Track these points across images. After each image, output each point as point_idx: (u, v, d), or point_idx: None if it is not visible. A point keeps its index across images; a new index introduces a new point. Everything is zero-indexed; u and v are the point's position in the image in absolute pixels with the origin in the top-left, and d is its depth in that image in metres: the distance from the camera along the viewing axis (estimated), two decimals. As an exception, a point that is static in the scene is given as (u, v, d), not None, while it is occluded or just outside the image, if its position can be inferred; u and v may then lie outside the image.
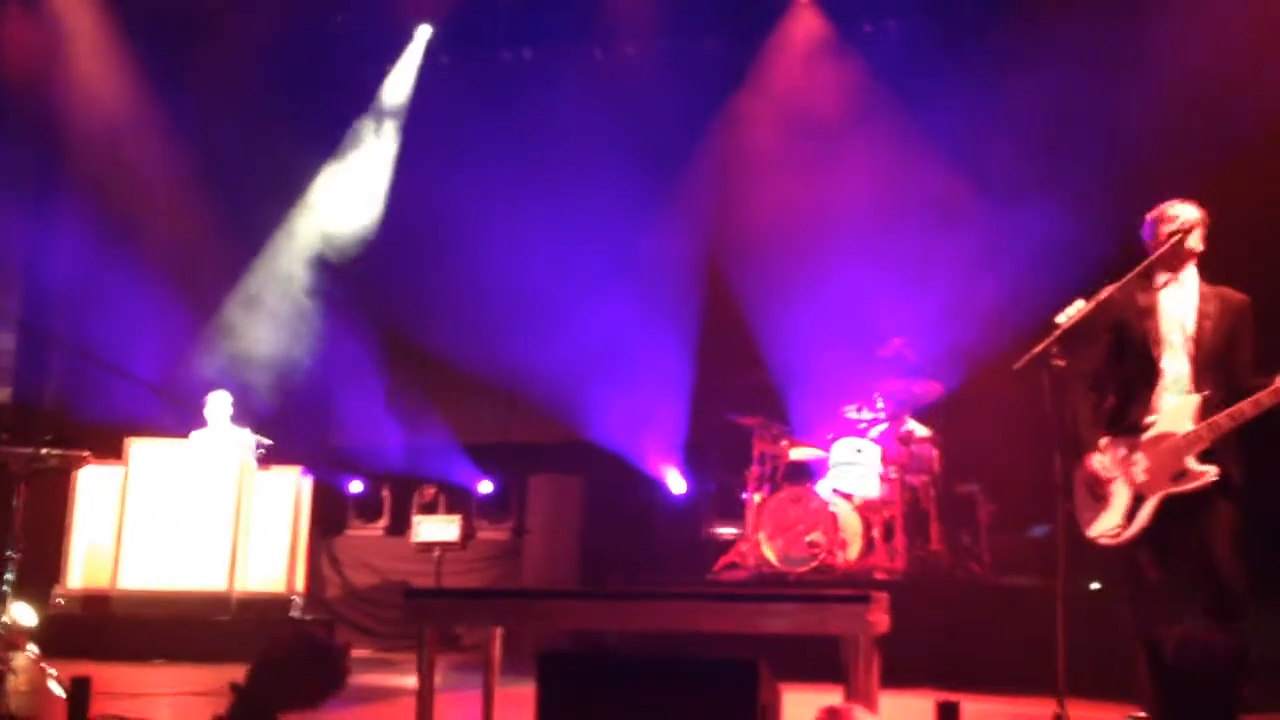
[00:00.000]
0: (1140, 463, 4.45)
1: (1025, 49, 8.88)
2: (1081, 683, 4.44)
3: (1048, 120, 8.60)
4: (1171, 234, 4.50)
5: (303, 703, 3.03)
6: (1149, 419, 4.48)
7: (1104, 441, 4.55)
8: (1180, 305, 4.53)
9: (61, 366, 10.68)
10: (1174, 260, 4.54)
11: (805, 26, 10.15)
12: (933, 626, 6.68)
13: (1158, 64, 7.82)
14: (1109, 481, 4.48)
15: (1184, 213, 4.55)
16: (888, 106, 9.47)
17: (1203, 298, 4.53)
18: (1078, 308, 4.44)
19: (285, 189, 11.10)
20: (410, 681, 3.91)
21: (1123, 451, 4.51)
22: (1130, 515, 4.44)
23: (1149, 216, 4.63)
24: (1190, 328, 4.48)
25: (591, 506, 10.19)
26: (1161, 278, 4.58)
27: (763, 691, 3.12)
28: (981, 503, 8.13)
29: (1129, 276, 4.54)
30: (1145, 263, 4.53)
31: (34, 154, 10.69)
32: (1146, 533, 4.41)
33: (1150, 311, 4.55)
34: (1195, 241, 4.53)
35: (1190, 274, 4.58)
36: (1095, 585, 7.00)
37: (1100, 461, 4.51)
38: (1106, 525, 4.49)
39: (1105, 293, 4.50)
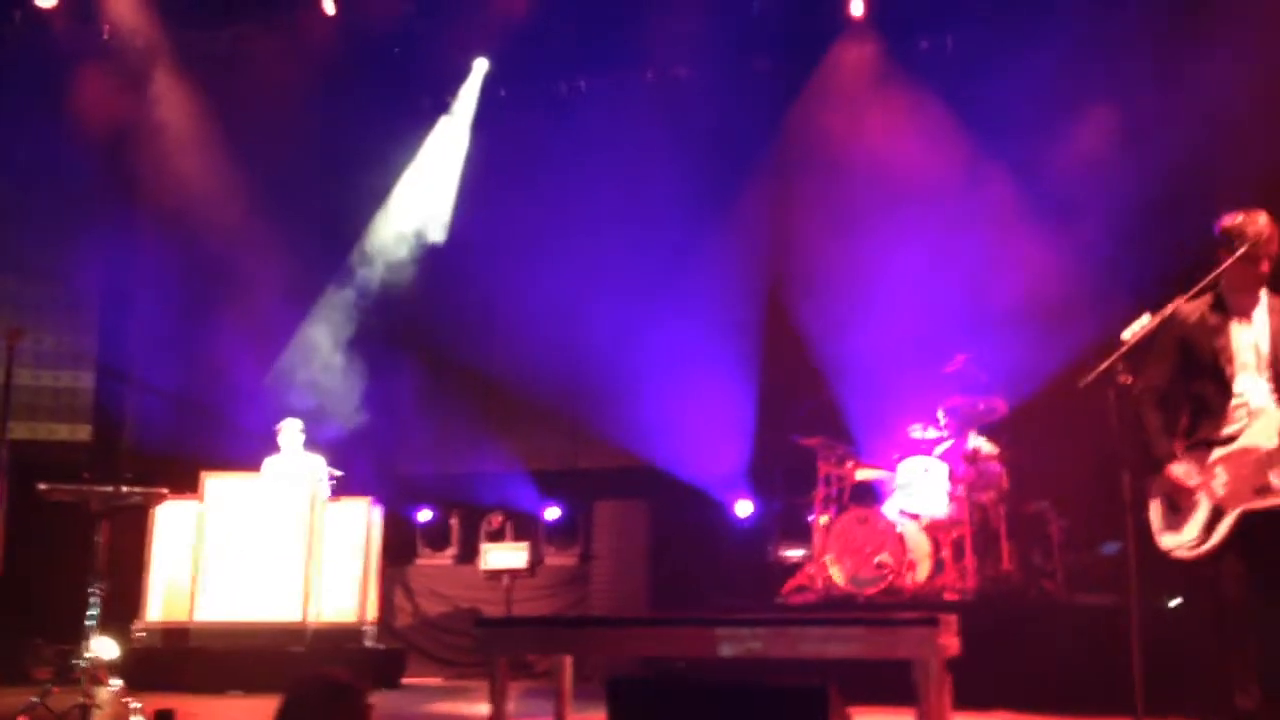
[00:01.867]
0: (1220, 476, 4.35)
1: (1085, 58, 8.80)
2: (1160, 701, 4.36)
3: (1110, 131, 8.50)
4: (1242, 251, 4.37)
5: None
6: (1225, 432, 4.39)
7: (1179, 454, 4.47)
8: (1252, 326, 4.43)
9: (138, 403, 10.95)
10: (1248, 279, 4.44)
11: (859, 44, 10.12)
12: (1006, 647, 6.59)
13: (1224, 70, 7.70)
14: (1193, 491, 4.39)
15: (1259, 229, 4.41)
16: (946, 122, 9.42)
17: (1273, 314, 4.43)
18: (1143, 323, 4.37)
19: (349, 221, 11.32)
20: (483, 709, 3.95)
21: (1198, 465, 4.42)
22: (1209, 528, 4.35)
23: (1226, 224, 4.45)
24: (1265, 349, 4.38)
25: (658, 531, 10.20)
26: (1233, 295, 4.48)
27: (833, 716, 3.11)
28: (1053, 520, 7.99)
29: (1199, 287, 4.44)
30: (1215, 273, 4.42)
31: (107, 195, 11.00)
32: (1226, 547, 4.32)
33: (1220, 330, 4.45)
34: (1266, 260, 4.41)
35: (1262, 293, 4.48)
36: (1175, 601, 6.87)
37: (1185, 469, 4.41)
38: (1185, 538, 4.40)
39: (1171, 307, 4.42)
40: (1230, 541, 4.31)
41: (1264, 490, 4.28)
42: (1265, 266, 4.42)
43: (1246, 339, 4.42)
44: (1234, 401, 4.40)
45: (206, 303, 10.52)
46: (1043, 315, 8.29)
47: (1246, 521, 4.30)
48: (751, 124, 10.14)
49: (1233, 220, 4.45)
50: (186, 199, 10.41)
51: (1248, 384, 4.39)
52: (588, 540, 10.42)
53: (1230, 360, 4.41)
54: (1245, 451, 4.33)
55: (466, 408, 10.97)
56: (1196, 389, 4.50)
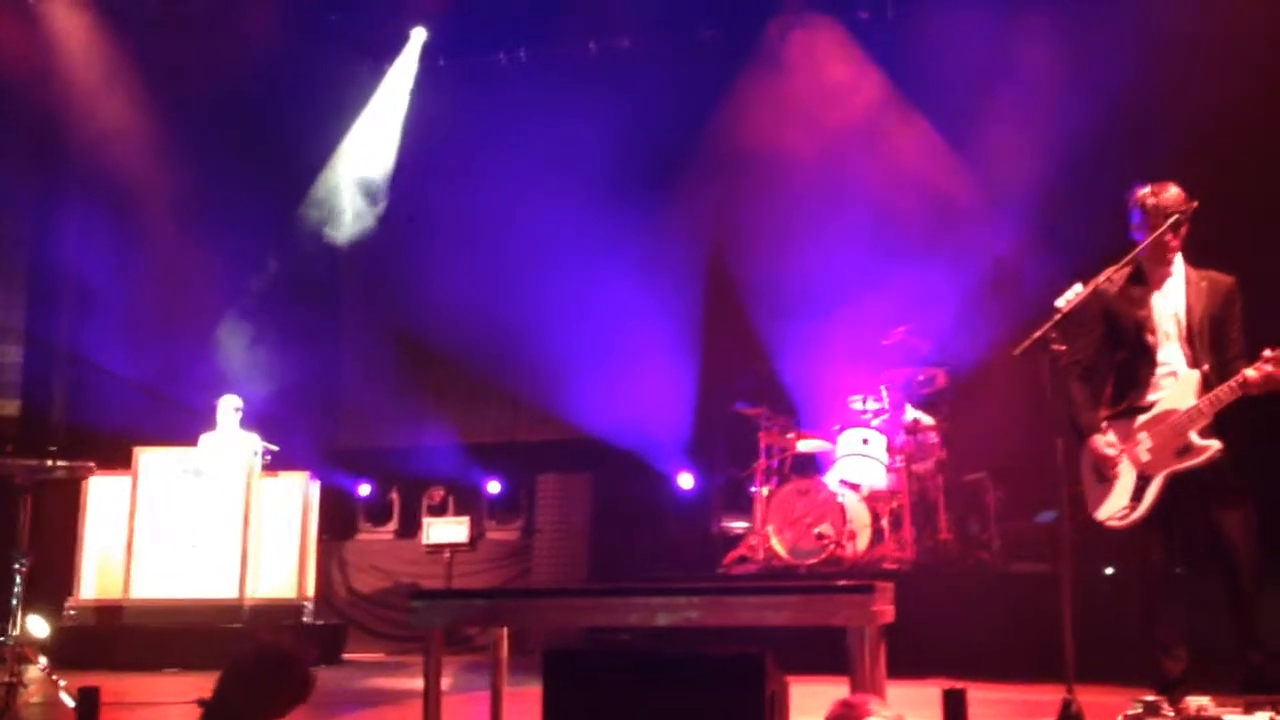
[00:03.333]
0: (1144, 442, 4.44)
1: (1025, 28, 8.82)
2: (1092, 668, 4.42)
3: (1049, 98, 8.54)
4: (1171, 222, 4.45)
5: (271, 712, 3.07)
6: (1148, 399, 4.48)
7: (1104, 424, 4.55)
8: (1171, 294, 4.53)
9: (68, 378, 10.70)
10: (1162, 249, 4.51)
11: (801, 15, 10.09)
12: (943, 615, 6.67)
13: (1165, 33, 7.77)
14: (1115, 461, 4.47)
15: (1174, 199, 4.50)
16: (887, 92, 9.45)
17: (1190, 283, 4.53)
18: (1076, 291, 4.42)
19: (285, 190, 11.11)
20: (421, 684, 3.91)
21: (1124, 433, 4.51)
22: (1137, 496, 4.43)
23: (1140, 196, 4.56)
24: (1183, 316, 4.48)
25: (600, 504, 10.20)
26: (1150, 266, 4.56)
27: (770, 684, 3.11)
28: (989, 490, 8.10)
29: (1124, 261, 4.52)
30: (1140, 247, 4.50)
31: (36, 165, 10.71)
32: (1154, 512, 4.41)
33: (1142, 301, 4.54)
34: (1180, 231, 4.50)
35: (1178, 261, 4.57)
36: (1109, 570, 6.98)
37: (1105, 441, 4.50)
38: (1114, 507, 4.49)
39: (1103, 275, 4.49)
40: (1157, 507, 4.39)
41: (1185, 451, 4.36)
42: (1176, 236, 4.49)
43: (1167, 309, 4.52)
44: (1158, 371, 4.50)
45: (140, 274, 10.28)
46: (981, 286, 8.36)
47: (1172, 485, 4.37)
48: (694, 96, 10.09)
49: (1143, 192, 4.54)
50: (118, 166, 10.14)
51: (1170, 353, 4.49)
52: (530, 514, 10.40)
53: (1153, 330, 4.51)
54: (1165, 415, 4.42)
55: (406, 381, 10.87)
56: (1121, 359, 4.59)
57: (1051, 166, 8.08)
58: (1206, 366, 4.41)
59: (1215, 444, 4.33)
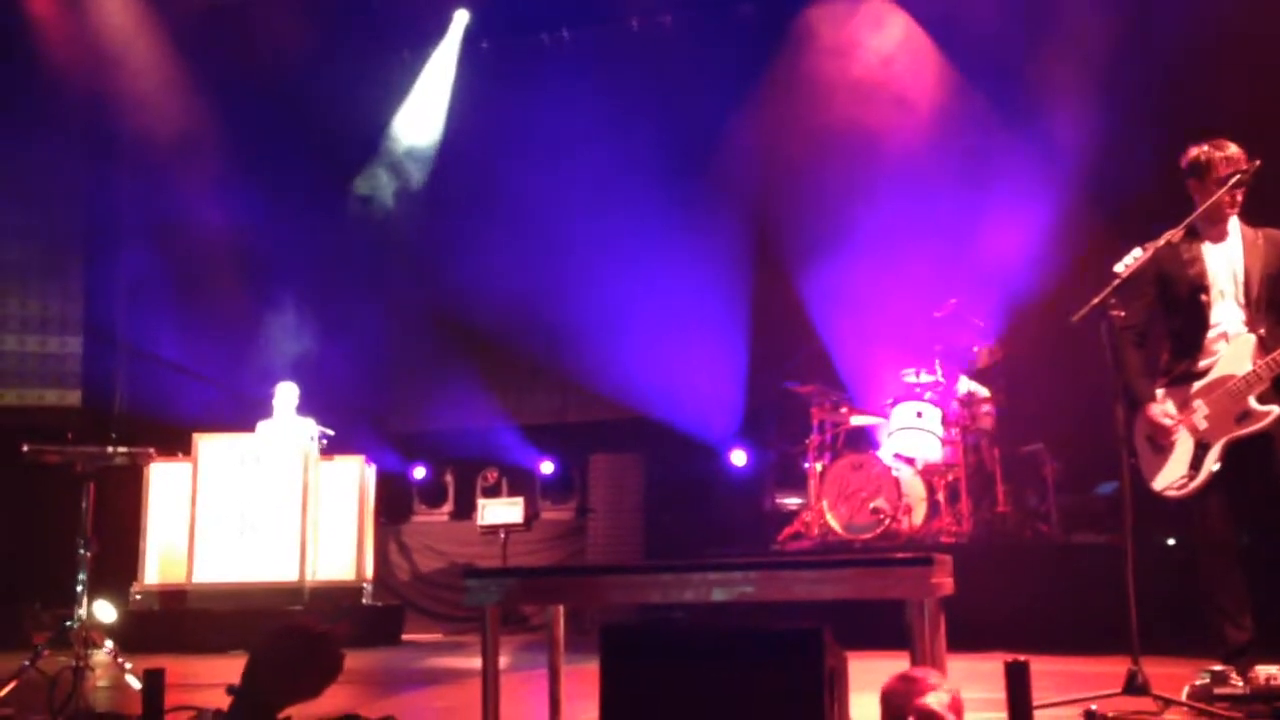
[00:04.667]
0: (1200, 409, 4.34)
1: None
2: (1155, 640, 4.35)
3: (1102, 64, 8.35)
4: (1233, 181, 4.33)
5: (301, 694, 3.07)
6: (1203, 364, 4.37)
7: (1160, 392, 4.45)
8: (1226, 253, 4.41)
9: (128, 368, 10.86)
10: (1220, 210, 4.40)
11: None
12: (1002, 588, 6.60)
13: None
14: (1172, 430, 4.37)
15: (1234, 158, 4.39)
16: (935, 60, 9.30)
17: (1247, 242, 4.40)
18: (1135, 256, 4.33)
19: (334, 174, 11.19)
20: (479, 663, 3.92)
21: (1180, 401, 4.40)
22: (1196, 464, 4.33)
23: (1198, 155, 4.45)
24: (1240, 275, 4.36)
25: (653, 482, 10.21)
26: (1205, 226, 4.45)
27: (829, 659, 3.08)
28: (1047, 461, 7.98)
29: (1184, 223, 4.40)
30: (1201, 209, 4.38)
31: (91, 157, 10.85)
32: (1215, 480, 4.31)
33: (1195, 261, 4.42)
34: (1240, 190, 4.39)
35: (1233, 220, 4.46)
36: (1170, 541, 6.87)
37: (1161, 409, 4.40)
38: (1172, 476, 4.39)
39: (1163, 239, 4.38)
40: (1218, 474, 4.29)
41: (1245, 417, 4.26)
42: (1236, 196, 4.38)
43: (1223, 268, 4.39)
44: (1211, 333, 4.38)
45: (195, 263, 10.40)
46: (1035, 254, 8.21)
47: (1232, 451, 4.28)
48: (738, 70, 10.00)
49: (1200, 151, 4.43)
50: (171, 155, 10.25)
51: (1224, 314, 4.37)
52: (583, 493, 10.44)
53: (1207, 290, 4.39)
54: (1221, 380, 4.31)
55: (457, 364, 10.91)
56: (1175, 323, 4.48)
57: (1106, 129, 7.91)
58: (1263, 330, 4.30)
59: (1276, 409, 4.22)
